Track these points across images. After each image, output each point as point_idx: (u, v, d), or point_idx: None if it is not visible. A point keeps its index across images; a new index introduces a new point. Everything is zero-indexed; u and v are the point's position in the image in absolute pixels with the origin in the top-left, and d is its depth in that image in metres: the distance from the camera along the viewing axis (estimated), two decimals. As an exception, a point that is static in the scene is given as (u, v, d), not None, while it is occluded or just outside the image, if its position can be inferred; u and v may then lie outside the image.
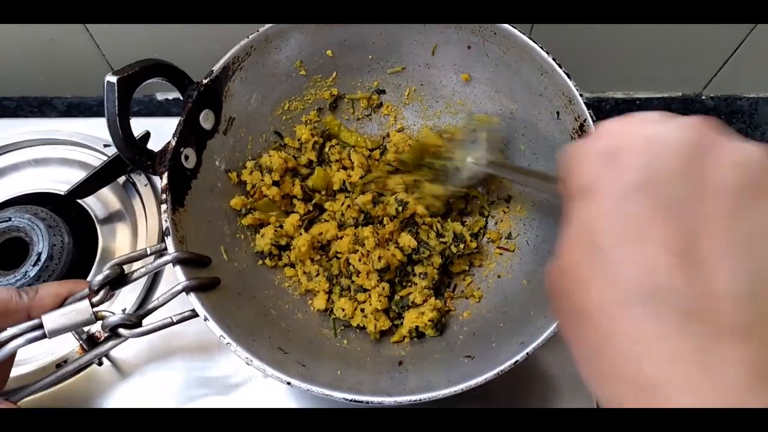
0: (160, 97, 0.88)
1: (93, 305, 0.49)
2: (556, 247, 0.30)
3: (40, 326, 0.46)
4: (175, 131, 0.55)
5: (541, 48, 0.57)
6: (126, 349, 0.64)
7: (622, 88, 0.88)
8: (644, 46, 0.80)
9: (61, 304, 0.49)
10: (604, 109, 0.88)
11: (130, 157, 0.54)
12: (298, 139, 0.68)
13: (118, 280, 0.51)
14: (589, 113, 0.55)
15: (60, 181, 0.72)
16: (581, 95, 0.55)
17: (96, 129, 0.74)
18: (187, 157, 0.56)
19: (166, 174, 0.54)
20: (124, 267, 0.51)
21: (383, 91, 0.70)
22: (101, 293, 0.50)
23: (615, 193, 0.26)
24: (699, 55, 0.81)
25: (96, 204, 0.71)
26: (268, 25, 0.59)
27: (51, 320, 0.47)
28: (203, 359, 0.64)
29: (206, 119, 0.58)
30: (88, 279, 0.64)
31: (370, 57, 0.67)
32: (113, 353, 0.63)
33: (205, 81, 0.57)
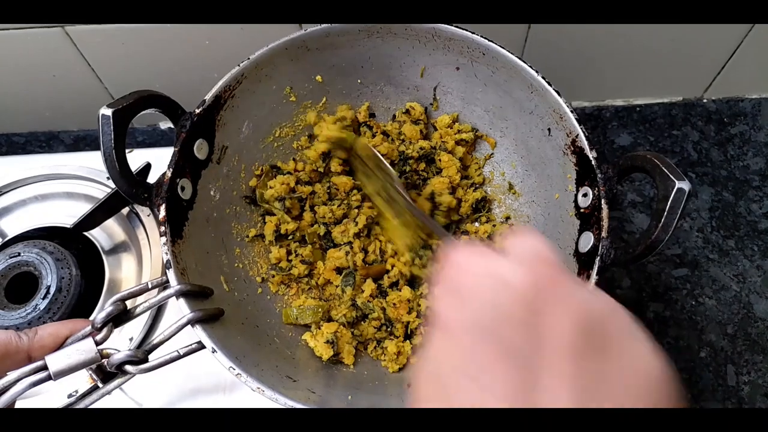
0: (163, 126, 0.90)
1: (97, 343, 0.49)
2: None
3: (45, 368, 0.46)
4: (170, 162, 0.56)
5: (530, 67, 0.57)
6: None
7: (622, 96, 0.87)
8: (642, 52, 0.79)
9: (62, 344, 0.49)
10: (604, 118, 0.87)
11: (127, 191, 0.54)
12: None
13: (121, 316, 0.51)
14: (581, 128, 0.55)
15: (66, 214, 0.73)
16: (573, 111, 0.55)
17: (99, 162, 0.74)
18: (183, 188, 0.57)
19: (163, 206, 0.54)
20: (127, 302, 0.52)
21: (374, 115, 0.70)
22: (105, 330, 0.50)
23: (460, 332, 0.28)
24: (698, 58, 0.81)
25: (102, 235, 0.72)
26: (258, 52, 0.60)
27: (55, 361, 0.46)
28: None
29: (200, 149, 0.59)
30: (94, 314, 0.66)
31: (359, 81, 0.67)
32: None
33: (198, 111, 0.58)
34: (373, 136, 0.68)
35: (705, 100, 0.88)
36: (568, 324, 0.27)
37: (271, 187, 0.65)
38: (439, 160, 0.67)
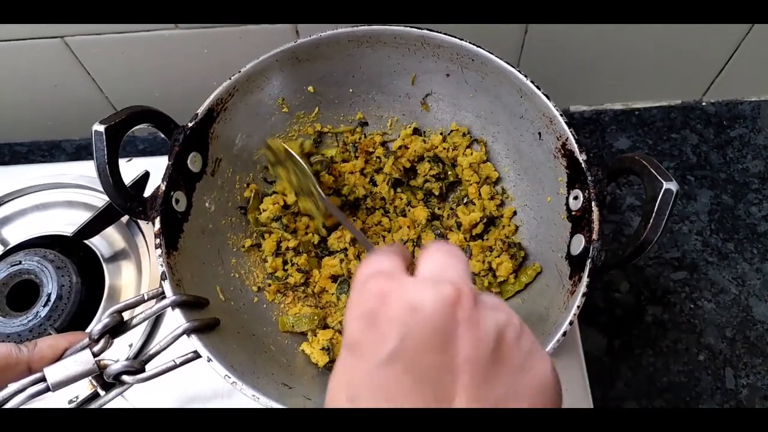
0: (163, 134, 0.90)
1: (94, 354, 0.49)
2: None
3: (43, 379, 0.47)
4: (164, 175, 0.56)
5: (519, 71, 0.57)
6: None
7: (621, 99, 0.87)
8: (641, 55, 0.79)
9: (61, 355, 0.49)
10: (603, 122, 0.87)
11: (121, 204, 0.55)
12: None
13: (117, 328, 0.52)
14: (571, 131, 0.55)
15: (67, 223, 0.74)
16: (562, 114, 0.55)
17: (99, 171, 0.76)
18: (177, 201, 0.57)
19: (158, 219, 0.55)
20: (124, 313, 0.53)
21: (366, 123, 0.71)
22: (102, 342, 0.50)
23: (374, 359, 0.29)
24: (697, 61, 0.80)
25: (102, 243, 0.73)
26: (249, 65, 0.61)
27: (54, 373, 0.47)
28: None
29: (194, 162, 0.60)
30: (91, 325, 0.67)
31: (351, 90, 0.68)
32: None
33: (190, 124, 0.58)
34: (356, 157, 0.70)
35: (704, 103, 0.87)
36: (475, 345, 0.29)
37: (264, 210, 0.65)
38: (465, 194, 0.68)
